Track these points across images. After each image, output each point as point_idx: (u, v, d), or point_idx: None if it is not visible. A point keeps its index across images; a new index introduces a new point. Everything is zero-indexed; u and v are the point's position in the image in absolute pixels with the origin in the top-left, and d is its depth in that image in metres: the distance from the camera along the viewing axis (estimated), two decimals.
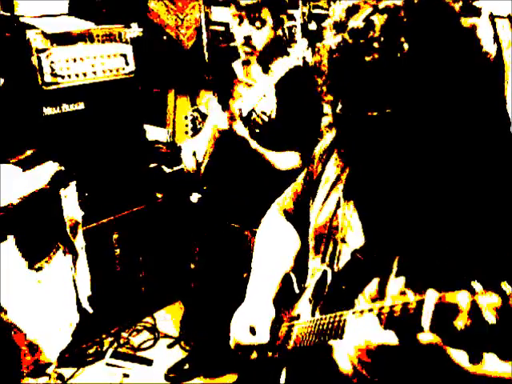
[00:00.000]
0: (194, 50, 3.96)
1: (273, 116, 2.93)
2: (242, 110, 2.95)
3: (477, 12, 1.18)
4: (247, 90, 3.01)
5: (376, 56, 1.14)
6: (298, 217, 1.82)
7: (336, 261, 1.49)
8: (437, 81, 1.14)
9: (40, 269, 2.87)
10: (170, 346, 3.55)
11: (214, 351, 3.28)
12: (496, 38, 1.22)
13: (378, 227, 1.41)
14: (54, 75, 3.07)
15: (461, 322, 0.94)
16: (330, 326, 1.35)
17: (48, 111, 3.12)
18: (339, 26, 1.19)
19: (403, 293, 1.10)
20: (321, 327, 1.40)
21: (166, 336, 3.63)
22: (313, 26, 3.25)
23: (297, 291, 1.72)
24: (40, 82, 3.05)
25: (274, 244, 1.88)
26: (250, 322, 1.72)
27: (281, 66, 2.99)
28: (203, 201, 3.10)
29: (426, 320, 1.00)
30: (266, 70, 2.99)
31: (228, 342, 1.79)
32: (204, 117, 2.97)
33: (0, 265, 2.63)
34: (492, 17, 1.23)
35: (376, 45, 1.14)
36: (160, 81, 3.73)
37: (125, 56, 3.36)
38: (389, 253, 1.32)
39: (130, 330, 3.67)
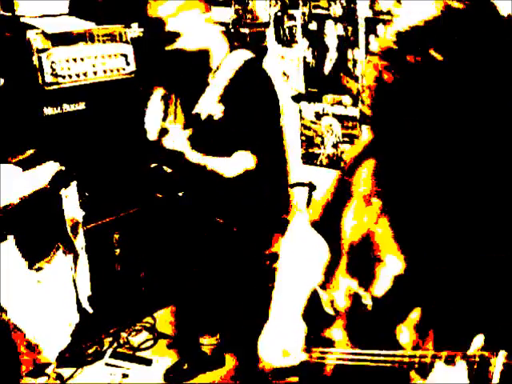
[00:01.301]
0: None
1: (221, 115, 2.81)
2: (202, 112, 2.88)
3: None
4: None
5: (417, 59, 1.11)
6: (329, 228, 1.66)
7: (372, 283, 1.39)
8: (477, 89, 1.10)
9: (40, 269, 2.87)
10: (170, 346, 3.55)
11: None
12: None
13: (418, 247, 1.31)
14: (55, 75, 3.07)
15: None
16: (389, 365, 1.28)
17: (49, 111, 3.12)
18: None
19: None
20: (372, 364, 1.33)
21: (165, 336, 3.63)
22: (313, 26, 3.25)
23: (331, 312, 1.57)
24: (41, 82, 3.05)
25: (300, 256, 1.76)
26: (282, 342, 1.60)
27: (234, 60, 2.87)
28: (188, 199, 3.09)
29: (495, 379, 1.05)
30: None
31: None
32: (182, 111, 2.97)
33: (0, 265, 2.63)
34: None
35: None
36: (161, 81, 3.73)
37: (125, 56, 3.36)
38: (431, 278, 1.25)
39: (130, 330, 3.67)
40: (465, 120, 1.11)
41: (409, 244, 1.33)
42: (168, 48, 2.77)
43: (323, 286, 1.62)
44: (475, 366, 1.10)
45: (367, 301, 1.39)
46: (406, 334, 1.30)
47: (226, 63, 2.86)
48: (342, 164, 1.63)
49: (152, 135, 2.80)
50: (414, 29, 1.14)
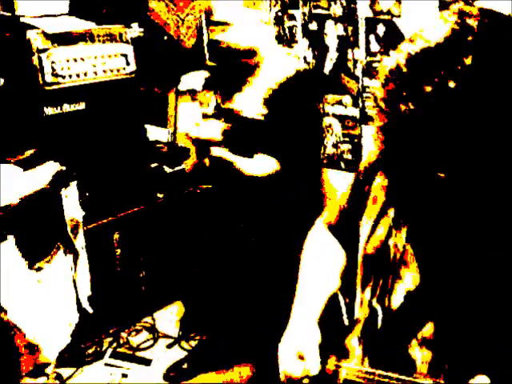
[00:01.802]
0: (194, 50, 3.98)
1: (260, 117, 2.81)
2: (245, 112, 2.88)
3: None
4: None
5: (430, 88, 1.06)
6: (345, 234, 1.65)
7: (388, 297, 1.38)
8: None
9: (40, 269, 2.87)
10: (170, 346, 3.54)
11: (214, 350, 3.30)
12: None
13: (434, 265, 1.29)
14: (55, 75, 3.07)
15: None
16: None
17: (49, 111, 3.11)
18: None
19: None
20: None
21: (165, 336, 3.62)
22: (313, 26, 3.26)
23: (346, 322, 1.58)
24: (41, 82, 3.05)
25: (319, 260, 1.73)
26: (298, 349, 1.58)
27: (283, 67, 2.88)
28: (203, 200, 3.09)
29: None
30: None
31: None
32: (205, 116, 2.96)
33: (0, 265, 2.63)
34: None
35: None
36: (161, 81, 3.74)
37: (125, 56, 3.36)
38: (446, 297, 1.24)
39: (130, 330, 3.67)
40: (479, 138, 1.06)
41: (425, 259, 1.31)
42: (214, 37, 2.76)
43: (341, 290, 1.63)
44: None
45: (380, 313, 1.39)
46: (417, 349, 1.30)
47: (275, 65, 2.86)
48: (358, 170, 1.59)
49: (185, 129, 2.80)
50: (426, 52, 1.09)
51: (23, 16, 3.17)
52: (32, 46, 3.01)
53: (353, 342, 1.48)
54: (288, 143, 2.75)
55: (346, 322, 1.56)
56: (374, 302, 1.41)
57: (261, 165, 2.76)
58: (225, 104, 2.94)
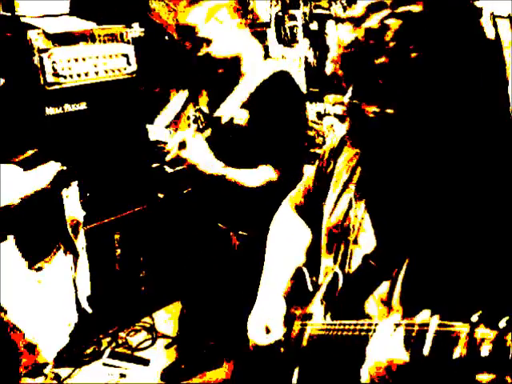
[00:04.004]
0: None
1: (245, 123, 2.73)
2: (223, 117, 2.82)
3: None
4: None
5: (384, 59, 1.18)
6: (310, 212, 1.82)
7: (348, 262, 1.51)
8: (443, 82, 1.18)
9: (40, 269, 2.87)
10: (168, 346, 3.55)
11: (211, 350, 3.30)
12: (498, 37, 1.26)
13: (389, 229, 1.42)
14: (56, 75, 3.07)
15: (458, 352, 1.02)
16: (351, 333, 1.37)
17: (50, 111, 3.12)
18: (356, 21, 1.23)
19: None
20: (340, 333, 1.42)
21: (164, 336, 3.63)
22: (314, 26, 3.26)
23: (310, 289, 1.73)
24: (42, 82, 3.05)
25: (285, 238, 1.89)
26: (264, 321, 1.73)
27: (265, 69, 2.78)
28: (191, 200, 3.08)
29: (427, 345, 1.08)
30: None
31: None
32: (206, 117, 2.94)
33: (0, 265, 2.63)
34: (493, 16, 1.27)
35: (386, 48, 1.18)
36: (162, 81, 3.74)
37: (126, 56, 3.37)
38: (399, 256, 1.34)
39: (128, 330, 3.67)
40: (426, 107, 1.20)
41: (383, 225, 1.44)
42: (200, 54, 2.73)
43: (306, 265, 1.79)
44: (414, 334, 1.13)
45: (340, 277, 1.51)
46: (373, 306, 1.41)
47: (260, 70, 2.78)
48: (321, 152, 1.75)
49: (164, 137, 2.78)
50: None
51: (24, 16, 3.17)
52: (33, 46, 3.01)
53: (316, 304, 1.61)
54: (279, 150, 2.69)
55: (311, 289, 1.72)
56: (336, 268, 1.54)
57: (257, 175, 2.70)
58: (213, 115, 2.91)
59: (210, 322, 3.28)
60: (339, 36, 1.26)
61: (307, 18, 3.28)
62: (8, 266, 2.68)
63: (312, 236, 1.86)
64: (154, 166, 3.57)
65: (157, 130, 3.07)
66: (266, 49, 3.44)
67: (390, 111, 1.22)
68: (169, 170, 3.29)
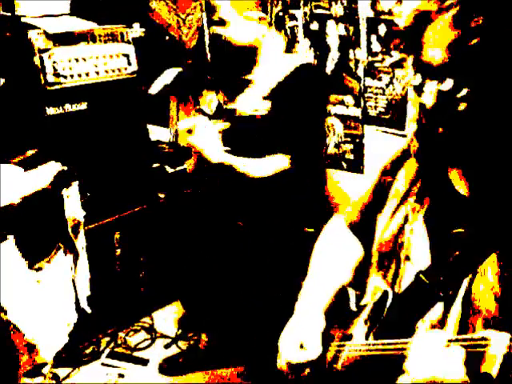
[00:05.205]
0: (196, 50, 3.99)
1: (269, 114, 2.78)
2: (243, 110, 2.87)
3: None
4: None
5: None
6: (363, 229, 1.73)
7: (398, 281, 1.43)
8: None
9: (40, 269, 2.86)
10: (167, 346, 3.54)
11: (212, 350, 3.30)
12: None
13: (446, 247, 1.33)
14: (57, 75, 3.07)
15: None
16: (389, 353, 1.30)
17: (51, 111, 3.11)
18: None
19: None
20: (377, 353, 1.36)
21: (163, 336, 3.63)
22: (315, 26, 3.26)
23: (353, 309, 1.63)
24: (42, 82, 3.04)
25: (333, 254, 1.79)
26: (299, 336, 1.63)
27: (286, 63, 2.85)
28: (201, 199, 3.08)
29: (496, 365, 1.03)
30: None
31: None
32: (221, 108, 2.95)
33: (0, 265, 2.62)
34: None
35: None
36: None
37: (127, 56, 3.36)
38: (456, 277, 1.27)
39: (128, 329, 3.67)
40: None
41: (440, 242, 1.36)
42: (212, 32, 2.78)
43: (352, 285, 1.68)
44: (473, 351, 1.08)
45: (390, 296, 1.43)
46: (422, 330, 1.32)
47: (281, 63, 2.85)
48: (382, 168, 1.67)
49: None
50: None
51: (24, 16, 3.16)
52: (33, 46, 3.00)
53: (358, 325, 1.53)
54: (295, 140, 2.73)
55: (354, 308, 1.62)
56: (385, 286, 1.46)
57: (268, 164, 2.73)
58: (227, 104, 2.93)
59: (210, 322, 3.29)
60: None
61: (308, 17, 3.28)
62: (8, 265, 2.68)
63: (362, 254, 1.76)
64: (154, 166, 3.58)
65: (158, 130, 3.08)
66: (291, 42, 3.44)
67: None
68: (169, 169, 3.30)
